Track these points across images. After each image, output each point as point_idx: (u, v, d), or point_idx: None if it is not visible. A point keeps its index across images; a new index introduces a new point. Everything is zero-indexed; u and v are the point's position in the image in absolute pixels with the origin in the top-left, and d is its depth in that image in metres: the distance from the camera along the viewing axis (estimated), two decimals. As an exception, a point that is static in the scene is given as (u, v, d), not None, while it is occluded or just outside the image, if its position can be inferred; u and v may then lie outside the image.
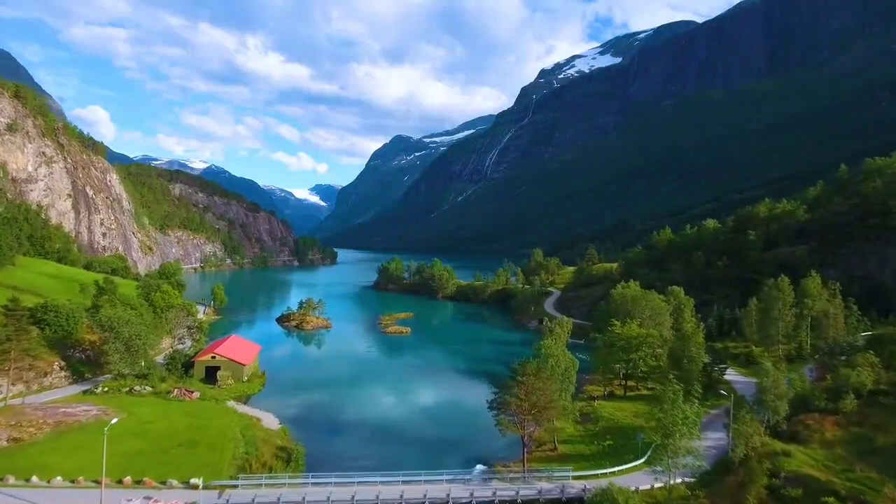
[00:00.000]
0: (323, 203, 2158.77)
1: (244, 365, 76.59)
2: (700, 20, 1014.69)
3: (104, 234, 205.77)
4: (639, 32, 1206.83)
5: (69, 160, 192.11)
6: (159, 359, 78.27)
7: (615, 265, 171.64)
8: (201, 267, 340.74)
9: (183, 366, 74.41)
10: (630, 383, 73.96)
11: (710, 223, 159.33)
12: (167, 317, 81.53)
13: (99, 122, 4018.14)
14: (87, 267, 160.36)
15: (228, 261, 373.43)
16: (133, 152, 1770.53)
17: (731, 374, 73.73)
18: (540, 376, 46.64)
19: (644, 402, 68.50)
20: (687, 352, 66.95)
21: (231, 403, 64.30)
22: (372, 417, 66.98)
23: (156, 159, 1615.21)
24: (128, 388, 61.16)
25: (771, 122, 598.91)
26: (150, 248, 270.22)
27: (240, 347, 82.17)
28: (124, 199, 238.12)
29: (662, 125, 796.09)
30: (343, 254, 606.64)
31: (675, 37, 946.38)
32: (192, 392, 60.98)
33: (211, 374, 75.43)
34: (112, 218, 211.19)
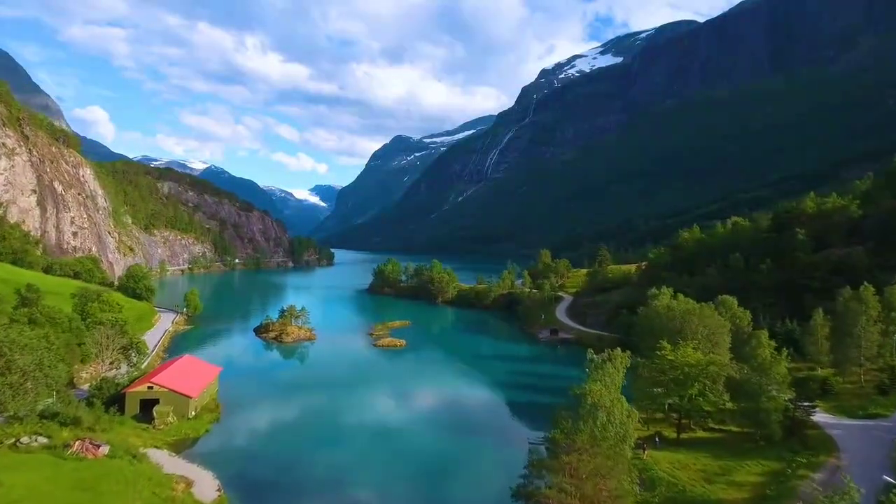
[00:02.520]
0: (323, 203, 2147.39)
1: (190, 397, 60.26)
2: (701, 19, 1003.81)
3: (75, 234, 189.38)
4: (640, 32, 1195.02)
5: (35, 153, 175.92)
6: (83, 389, 62.08)
7: (633, 267, 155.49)
8: (189, 268, 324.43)
9: (109, 400, 58.17)
10: (681, 420, 57.59)
11: (735, 220, 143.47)
12: (93, 336, 64.78)
13: (98, 122, 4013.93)
14: (48, 270, 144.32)
15: (219, 262, 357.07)
16: (133, 153, 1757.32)
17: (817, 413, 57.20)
18: (596, 452, 30.38)
19: (707, 450, 52.13)
20: (764, 388, 50.70)
21: (159, 456, 47.99)
22: (348, 475, 50.60)
23: (155, 159, 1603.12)
24: (13, 440, 44.83)
25: (776, 121, 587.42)
26: (132, 249, 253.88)
27: (188, 373, 65.79)
28: (100, 196, 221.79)
29: (665, 125, 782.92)
30: (342, 254, 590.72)
31: (677, 36, 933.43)
32: (99, 446, 44.65)
33: (148, 409, 59.20)
34: (84, 216, 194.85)
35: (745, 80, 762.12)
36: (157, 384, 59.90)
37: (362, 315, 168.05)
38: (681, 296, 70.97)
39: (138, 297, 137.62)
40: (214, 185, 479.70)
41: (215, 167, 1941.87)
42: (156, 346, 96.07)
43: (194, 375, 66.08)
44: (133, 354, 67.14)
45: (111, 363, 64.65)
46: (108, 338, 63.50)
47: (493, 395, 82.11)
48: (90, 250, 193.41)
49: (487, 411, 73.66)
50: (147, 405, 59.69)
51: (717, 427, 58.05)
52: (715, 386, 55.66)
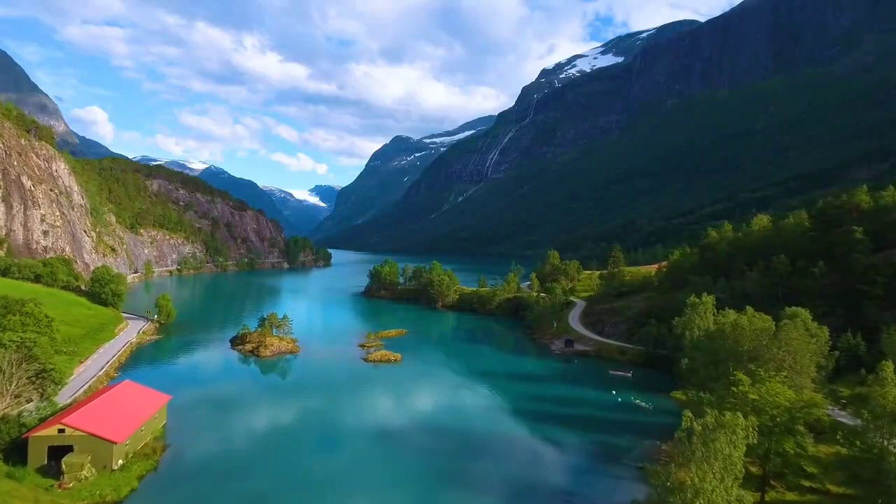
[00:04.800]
0: (323, 204, 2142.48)
1: (114, 443, 46.12)
2: (701, 19, 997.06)
3: (45, 233, 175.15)
4: (641, 32, 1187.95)
5: None
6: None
7: (653, 269, 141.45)
8: (178, 269, 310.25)
9: (9, 446, 44.09)
10: (766, 478, 43.32)
11: (761, 216, 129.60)
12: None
13: (97, 122, 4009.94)
14: (5, 272, 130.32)
15: (210, 263, 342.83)
16: (132, 153, 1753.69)
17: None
18: None
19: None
20: (887, 445, 36.72)
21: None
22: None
23: (155, 160, 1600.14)
24: None
25: (779, 121, 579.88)
26: (113, 250, 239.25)
27: (120, 407, 51.62)
28: (76, 193, 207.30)
29: (666, 124, 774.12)
30: (342, 255, 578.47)
31: (679, 35, 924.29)
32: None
33: (61, 458, 45.07)
34: (57, 214, 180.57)
35: (747, 79, 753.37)
36: (69, 426, 45.72)
37: (355, 322, 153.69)
38: (750, 309, 56.61)
39: (104, 303, 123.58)
40: (207, 183, 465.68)
41: (215, 167, 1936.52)
42: (106, 364, 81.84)
43: (128, 410, 51.88)
44: (49, 385, 52.70)
45: (16, 397, 50.28)
46: (10, 364, 49.19)
47: (504, 429, 67.11)
48: (63, 250, 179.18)
49: (497, 454, 59.02)
50: (59, 453, 45.60)
51: (808, 485, 43.87)
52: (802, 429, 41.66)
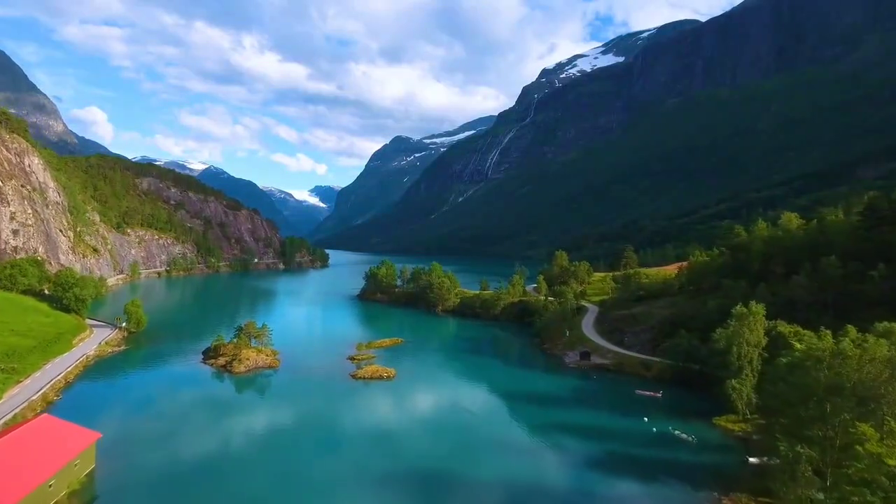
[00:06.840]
0: (322, 204, 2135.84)
1: (-4, 512, 34.04)
2: (702, 19, 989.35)
3: (15, 232, 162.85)
4: (641, 32, 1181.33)
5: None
6: None
7: (673, 271, 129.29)
8: (167, 271, 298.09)
9: None
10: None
11: (786, 215, 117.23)
12: None
13: (97, 122, 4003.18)
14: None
15: (201, 264, 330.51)
16: (132, 153, 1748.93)
17: None
18: None
19: None
20: None
21: None
22: None
23: (155, 160, 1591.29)
24: None
25: (781, 120, 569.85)
26: (96, 250, 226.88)
27: (18, 457, 39.31)
28: (51, 190, 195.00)
29: (668, 124, 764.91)
30: (340, 255, 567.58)
31: (680, 35, 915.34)
32: None
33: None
34: (29, 212, 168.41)
35: (748, 78, 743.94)
36: (-69, 490, 33.60)
37: (346, 329, 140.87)
38: (852, 330, 44.29)
39: (66, 309, 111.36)
40: (201, 182, 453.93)
41: (214, 168, 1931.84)
42: (46, 385, 69.34)
43: (32, 458, 39.61)
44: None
45: None
46: None
47: (515, 472, 54.51)
48: (35, 251, 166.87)
49: None
50: (-80, 525, 33.50)
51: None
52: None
